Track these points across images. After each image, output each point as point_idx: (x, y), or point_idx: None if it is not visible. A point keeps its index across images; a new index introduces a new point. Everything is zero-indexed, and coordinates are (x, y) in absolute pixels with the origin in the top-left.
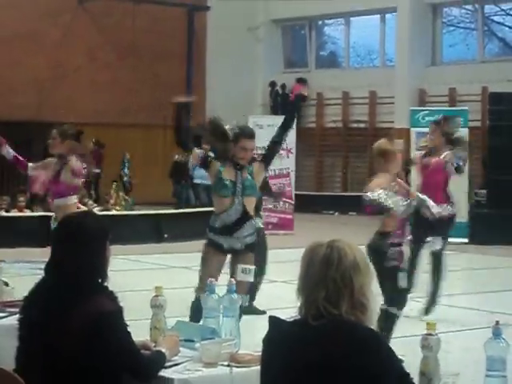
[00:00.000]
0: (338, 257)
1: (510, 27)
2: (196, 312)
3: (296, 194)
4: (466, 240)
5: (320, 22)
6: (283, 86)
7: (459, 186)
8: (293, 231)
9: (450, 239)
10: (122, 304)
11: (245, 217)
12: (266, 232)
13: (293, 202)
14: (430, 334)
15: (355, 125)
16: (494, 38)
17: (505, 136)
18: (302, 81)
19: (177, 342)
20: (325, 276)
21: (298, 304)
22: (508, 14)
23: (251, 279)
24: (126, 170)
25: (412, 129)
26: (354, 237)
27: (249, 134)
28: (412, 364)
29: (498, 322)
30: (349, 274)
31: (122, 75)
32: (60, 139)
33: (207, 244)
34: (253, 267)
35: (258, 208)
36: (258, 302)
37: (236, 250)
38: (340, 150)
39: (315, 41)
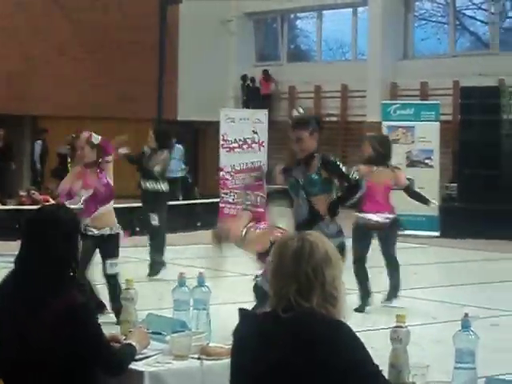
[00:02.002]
0: (310, 250)
1: (481, 21)
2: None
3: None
4: (437, 234)
5: (292, 16)
6: (252, 80)
7: (430, 180)
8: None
9: (420, 233)
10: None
11: (315, 217)
12: None
13: (264, 196)
14: (400, 327)
15: (327, 118)
16: (465, 32)
17: (475, 130)
18: (266, 74)
19: (146, 335)
20: (296, 269)
21: (269, 296)
22: (480, 8)
23: None
24: None
25: (384, 122)
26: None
27: (293, 123)
28: (382, 356)
29: (466, 315)
30: (320, 267)
31: (93, 69)
32: (89, 147)
33: None
34: None
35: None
36: (233, 296)
37: None
38: None
39: (287, 34)
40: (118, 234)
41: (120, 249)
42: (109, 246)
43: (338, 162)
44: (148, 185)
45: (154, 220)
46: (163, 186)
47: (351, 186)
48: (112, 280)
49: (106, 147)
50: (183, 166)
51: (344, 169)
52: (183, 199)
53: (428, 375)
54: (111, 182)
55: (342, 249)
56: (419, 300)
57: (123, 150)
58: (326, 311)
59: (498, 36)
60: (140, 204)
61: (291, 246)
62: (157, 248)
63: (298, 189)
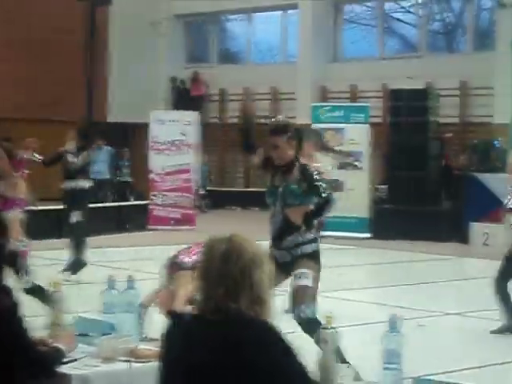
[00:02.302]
0: (237, 252)
1: (409, 24)
2: None
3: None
4: (368, 235)
5: (223, 18)
6: (184, 82)
7: (361, 182)
8: (195, 226)
9: (351, 234)
10: (18, 299)
11: (289, 226)
12: (168, 227)
13: (193, 198)
14: (327, 328)
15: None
16: (394, 35)
17: (405, 132)
18: (196, 76)
19: (74, 338)
20: (224, 271)
21: (198, 299)
22: (408, 12)
23: (308, 283)
24: None
25: (313, 124)
26: (256, 232)
27: (272, 129)
28: (311, 358)
29: (394, 316)
30: (248, 268)
31: (21, 70)
32: None
33: None
34: (308, 271)
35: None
36: None
37: (287, 265)
38: (241, 145)
39: (218, 36)
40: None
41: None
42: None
43: (315, 176)
44: (67, 184)
45: (74, 217)
46: (83, 184)
47: (321, 202)
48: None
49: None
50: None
51: (319, 183)
52: (119, 201)
53: (356, 376)
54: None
55: (317, 255)
56: (348, 301)
57: (28, 155)
58: (254, 313)
59: (425, 39)
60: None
61: (219, 249)
62: (76, 246)
63: (275, 197)
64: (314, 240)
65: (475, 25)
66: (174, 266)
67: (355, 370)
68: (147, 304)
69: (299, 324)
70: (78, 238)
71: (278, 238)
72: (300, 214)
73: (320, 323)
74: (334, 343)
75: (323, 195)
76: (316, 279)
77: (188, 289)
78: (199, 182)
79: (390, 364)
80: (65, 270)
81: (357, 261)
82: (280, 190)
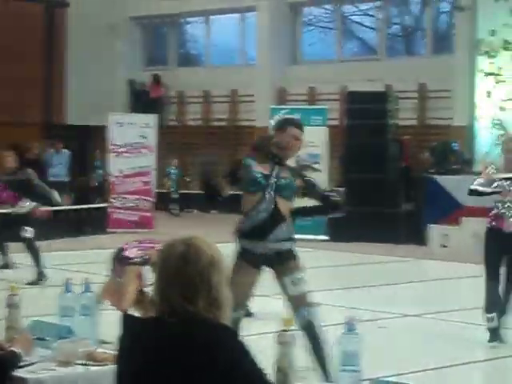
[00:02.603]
0: (196, 254)
1: (368, 27)
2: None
3: (157, 192)
4: (325, 237)
5: (181, 20)
6: (143, 84)
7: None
8: (153, 229)
9: (308, 237)
10: None
11: (278, 217)
12: (126, 230)
13: (153, 200)
14: (286, 330)
15: (216, 123)
16: (352, 38)
17: (362, 135)
18: (157, 79)
19: (31, 341)
20: (182, 273)
21: (155, 300)
22: (366, 14)
23: (305, 288)
24: None
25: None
26: (214, 235)
27: (296, 123)
28: (269, 360)
29: (351, 318)
30: (206, 271)
31: None
32: None
33: (237, 254)
34: (301, 275)
35: None
36: None
37: (271, 258)
38: (201, 148)
39: (176, 39)
40: None
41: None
42: None
43: (313, 181)
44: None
45: (26, 232)
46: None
47: (327, 205)
48: None
49: None
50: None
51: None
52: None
53: (313, 378)
54: None
55: (294, 254)
56: None
57: None
58: (211, 315)
59: (384, 42)
60: None
61: (176, 250)
62: (34, 259)
63: (265, 185)
64: (292, 239)
65: (434, 28)
66: (123, 260)
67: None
68: (100, 299)
69: (304, 327)
70: (33, 251)
71: (262, 228)
72: (288, 208)
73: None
74: (292, 345)
75: (333, 199)
76: None
77: (136, 284)
78: (172, 185)
79: (348, 366)
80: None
81: (314, 263)
82: (273, 179)
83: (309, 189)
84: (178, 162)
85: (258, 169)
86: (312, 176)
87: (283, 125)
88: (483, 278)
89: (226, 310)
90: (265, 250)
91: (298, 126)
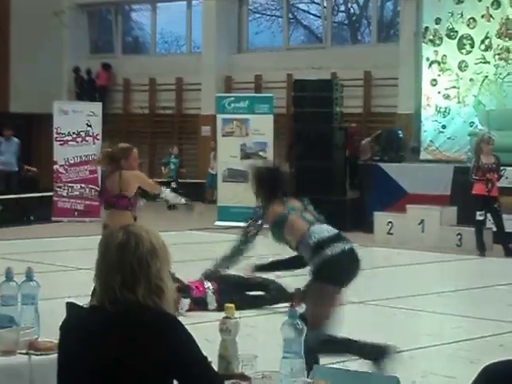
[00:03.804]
0: (135, 242)
1: (314, 15)
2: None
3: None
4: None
5: (127, 8)
6: (88, 72)
7: None
8: (99, 218)
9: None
10: None
11: None
12: (71, 219)
13: (98, 189)
14: (229, 318)
15: (162, 111)
16: (299, 26)
17: (308, 122)
18: (107, 67)
19: None
20: (121, 261)
21: (94, 289)
22: (313, 2)
23: None
24: None
25: (218, 115)
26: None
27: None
28: (215, 349)
29: (293, 305)
30: (145, 258)
31: None
32: None
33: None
34: None
35: None
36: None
37: None
38: (146, 136)
39: (122, 26)
40: None
41: None
42: None
43: None
44: None
45: None
46: None
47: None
48: None
49: None
50: None
51: None
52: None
53: (257, 365)
54: None
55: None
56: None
57: None
58: (152, 303)
59: (330, 30)
60: None
61: (116, 239)
62: None
63: None
64: None
65: (379, 16)
66: None
67: (256, 358)
68: None
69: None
70: None
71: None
72: None
73: None
74: (235, 333)
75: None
76: None
77: None
78: (171, 175)
79: (290, 353)
80: None
81: (259, 251)
82: None
83: None
84: (177, 151)
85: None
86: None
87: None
88: (427, 266)
89: (167, 297)
90: None
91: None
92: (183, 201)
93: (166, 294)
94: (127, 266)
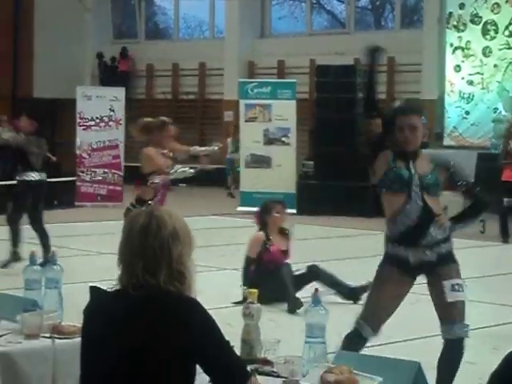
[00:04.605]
0: (157, 226)
1: (337, 0)
2: (350, 345)
3: (126, 166)
4: (294, 211)
5: None
6: (113, 59)
7: (287, 158)
8: (122, 203)
9: None
10: None
11: (430, 216)
12: (94, 203)
13: (122, 174)
14: (252, 303)
15: (185, 96)
16: (322, 11)
17: (331, 108)
18: (124, 52)
19: None
20: (143, 245)
21: (118, 273)
22: None
23: (465, 298)
24: None
25: (241, 100)
26: (192, 207)
27: (405, 108)
28: (237, 333)
29: (317, 290)
30: (167, 243)
31: None
32: None
33: (382, 260)
34: (463, 282)
35: None
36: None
37: (428, 264)
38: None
39: (145, 11)
40: None
41: None
42: None
43: (460, 173)
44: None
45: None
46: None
47: (476, 204)
48: None
49: None
50: None
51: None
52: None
53: (279, 350)
54: None
55: (453, 257)
56: None
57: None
58: (174, 288)
59: (353, 15)
60: None
61: (139, 222)
62: (10, 237)
63: (408, 183)
64: (447, 240)
65: (403, 1)
66: None
67: (278, 343)
68: None
69: (453, 341)
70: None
71: (413, 232)
72: (439, 206)
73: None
74: (257, 317)
75: (483, 198)
76: None
77: None
78: None
79: (313, 338)
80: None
81: None
82: (416, 176)
83: (453, 182)
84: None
85: (399, 164)
86: (455, 165)
87: (400, 115)
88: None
89: (190, 283)
90: (420, 258)
91: (408, 110)
92: (192, 171)
93: (188, 280)
94: (149, 250)
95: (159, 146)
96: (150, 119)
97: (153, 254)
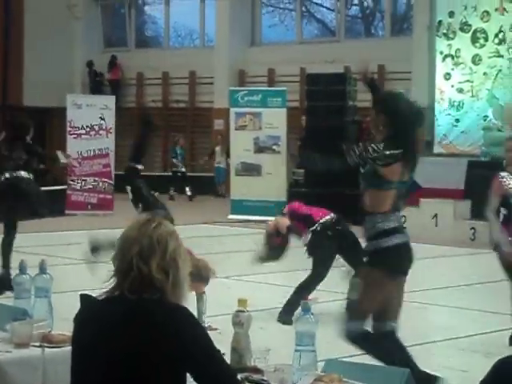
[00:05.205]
0: (157, 224)
1: (327, 9)
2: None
3: (116, 174)
4: None
5: (140, 1)
6: (101, 67)
7: (277, 166)
8: (112, 211)
9: (269, 218)
10: None
11: None
12: (85, 212)
13: (112, 183)
14: (242, 311)
15: (175, 105)
16: (312, 20)
17: (321, 116)
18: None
19: None
20: (142, 234)
21: (111, 276)
22: None
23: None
24: None
25: (231, 109)
26: (182, 216)
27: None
28: (227, 342)
29: (306, 298)
30: (165, 235)
31: None
32: None
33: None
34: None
35: None
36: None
37: None
38: (160, 129)
39: (135, 20)
40: None
41: None
42: None
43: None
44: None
45: None
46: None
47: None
48: None
49: None
50: None
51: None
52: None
53: (270, 359)
54: None
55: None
56: (265, 285)
57: None
58: (160, 277)
59: (343, 23)
60: None
61: (140, 220)
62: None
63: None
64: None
65: (393, 9)
66: None
67: (268, 352)
68: None
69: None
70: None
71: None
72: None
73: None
74: (247, 326)
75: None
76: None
77: None
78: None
79: (302, 346)
80: None
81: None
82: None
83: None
84: (183, 142)
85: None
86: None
87: None
88: (440, 259)
89: (180, 276)
90: None
91: None
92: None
93: (180, 271)
94: (146, 238)
95: None
96: None
97: (150, 241)
